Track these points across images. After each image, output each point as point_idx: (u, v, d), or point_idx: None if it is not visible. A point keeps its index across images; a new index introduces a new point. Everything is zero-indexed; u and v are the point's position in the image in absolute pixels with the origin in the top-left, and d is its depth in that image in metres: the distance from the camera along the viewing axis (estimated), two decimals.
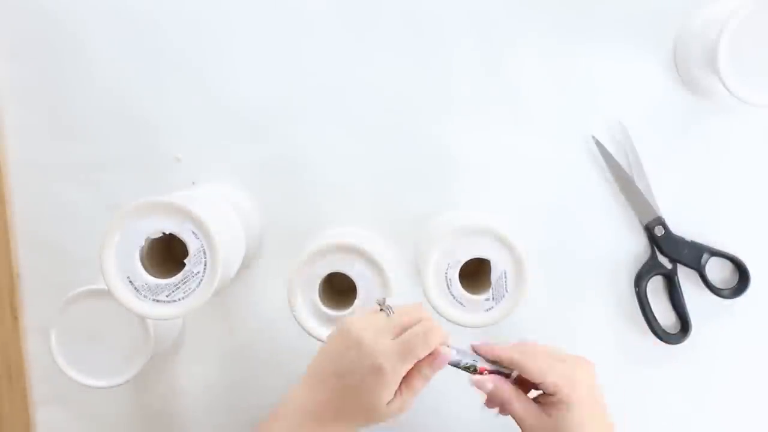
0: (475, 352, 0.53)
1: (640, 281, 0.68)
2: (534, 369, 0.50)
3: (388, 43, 0.67)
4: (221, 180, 0.69)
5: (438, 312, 0.59)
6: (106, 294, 0.59)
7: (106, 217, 0.56)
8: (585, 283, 0.69)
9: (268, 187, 0.69)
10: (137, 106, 0.69)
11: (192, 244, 0.55)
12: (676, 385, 0.70)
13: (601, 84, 0.67)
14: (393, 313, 0.51)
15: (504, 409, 0.52)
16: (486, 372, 0.52)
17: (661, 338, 0.68)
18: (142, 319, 0.62)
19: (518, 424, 0.52)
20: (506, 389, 0.51)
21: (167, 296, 0.56)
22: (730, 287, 0.68)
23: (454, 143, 0.68)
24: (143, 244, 0.56)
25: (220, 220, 0.59)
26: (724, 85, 0.58)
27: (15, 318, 0.71)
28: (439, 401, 0.71)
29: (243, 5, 0.67)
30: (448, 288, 0.59)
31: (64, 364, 0.63)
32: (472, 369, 0.52)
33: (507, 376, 0.53)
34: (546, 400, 0.51)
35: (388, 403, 0.49)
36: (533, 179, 0.68)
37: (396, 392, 0.49)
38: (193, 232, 0.55)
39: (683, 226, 0.68)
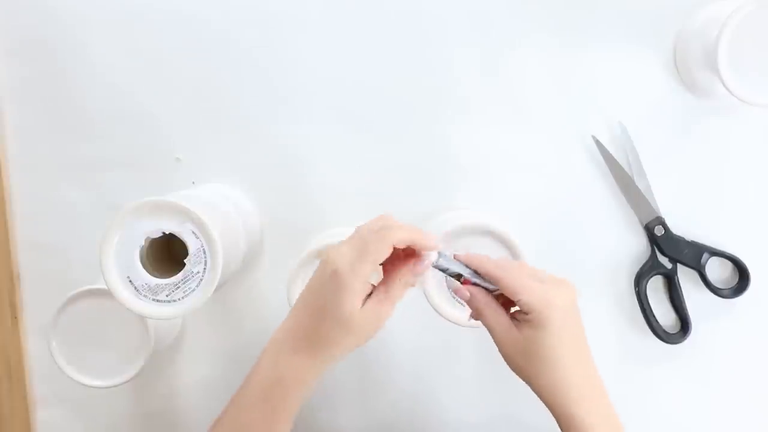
0: (458, 260, 0.51)
1: (640, 281, 0.68)
2: (510, 285, 0.48)
3: (389, 44, 0.67)
4: (221, 180, 0.69)
5: (438, 312, 0.59)
6: (106, 294, 0.59)
7: (106, 217, 0.56)
8: (585, 282, 0.69)
9: (268, 187, 0.69)
10: (137, 106, 0.69)
11: (192, 244, 0.55)
12: (676, 385, 0.70)
13: (601, 84, 0.67)
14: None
15: (474, 314, 0.51)
16: (469, 284, 0.51)
17: (661, 338, 0.68)
18: (142, 319, 0.62)
19: (490, 335, 0.51)
20: (480, 299, 0.50)
21: (167, 296, 0.56)
22: (730, 287, 0.68)
23: (454, 143, 0.68)
24: (143, 243, 0.56)
25: (220, 220, 0.59)
26: (724, 85, 0.58)
27: (15, 318, 0.71)
28: (440, 401, 0.72)
29: (243, 5, 0.67)
30: (449, 288, 0.59)
31: (64, 364, 0.63)
32: (457, 277, 0.51)
33: (491, 292, 0.51)
34: (521, 317, 0.49)
35: (361, 310, 0.47)
36: (533, 179, 0.68)
37: (369, 299, 0.48)
38: (193, 232, 0.55)
39: (683, 226, 0.68)
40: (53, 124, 0.69)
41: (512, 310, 0.51)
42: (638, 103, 0.67)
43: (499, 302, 0.50)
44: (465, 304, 0.51)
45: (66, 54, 0.68)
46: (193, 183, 0.69)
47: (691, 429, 0.71)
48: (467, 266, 0.51)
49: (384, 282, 0.49)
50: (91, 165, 0.70)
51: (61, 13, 0.67)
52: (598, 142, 0.67)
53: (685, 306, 0.68)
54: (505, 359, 0.50)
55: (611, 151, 0.67)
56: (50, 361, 0.63)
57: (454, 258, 0.51)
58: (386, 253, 0.47)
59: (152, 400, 0.73)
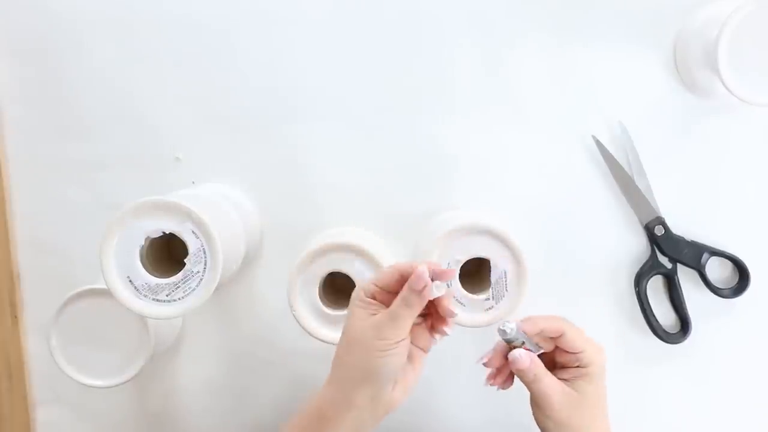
0: (521, 329, 0.53)
1: (640, 281, 0.68)
2: (576, 339, 0.53)
3: (388, 43, 0.67)
4: (221, 180, 0.69)
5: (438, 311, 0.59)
6: (106, 294, 0.59)
7: (106, 216, 0.56)
8: (585, 283, 0.69)
9: (268, 187, 0.69)
10: (137, 106, 0.69)
11: (192, 244, 0.55)
12: (676, 385, 0.70)
13: (600, 84, 0.67)
14: None
15: (530, 385, 0.53)
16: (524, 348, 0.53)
17: (661, 338, 0.68)
18: (142, 318, 0.62)
19: (540, 402, 0.53)
20: (539, 364, 0.53)
21: (167, 296, 0.56)
22: (730, 287, 0.68)
23: (454, 143, 0.68)
24: (143, 243, 0.56)
25: (220, 219, 0.59)
26: (724, 85, 0.58)
27: (15, 318, 0.71)
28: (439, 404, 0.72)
29: (243, 5, 0.67)
30: (449, 287, 0.59)
31: (64, 364, 0.63)
32: (515, 342, 0.53)
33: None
34: (570, 374, 0.53)
35: (364, 322, 0.49)
36: (533, 179, 0.68)
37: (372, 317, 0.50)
38: (193, 232, 0.55)
39: (683, 225, 0.68)
40: (53, 123, 0.69)
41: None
42: (638, 103, 0.67)
43: None
44: (517, 363, 0.52)
45: (66, 54, 0.68)
46: (193, 183, 0.69)
47: (691, 429, 0.71)
48: (528, 332, 0.53)
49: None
50: (91, 165, 0.70)
51: (61, 14, 0.68)
52: (598, 142, 0.67)
53: (685, 306, 0.68)
54: (555, 419, 0.53)
55: (611, 151, 0.67)
56: (50, 360, 0.63)
57: (518, 328, 0.52)
58: (387, 275, 0.50)
59: (152, 400, 0.73)
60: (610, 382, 0.55)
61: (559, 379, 0.53)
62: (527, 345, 0.53)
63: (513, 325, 0.52)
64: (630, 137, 0.67)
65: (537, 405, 0.54)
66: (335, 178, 0.69)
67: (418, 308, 0.49)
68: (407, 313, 0.49)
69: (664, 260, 0.68)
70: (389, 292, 0.50)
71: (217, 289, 0.56)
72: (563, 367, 0.54)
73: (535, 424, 0.55)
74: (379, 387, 0.50)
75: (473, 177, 0.68)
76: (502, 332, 0.52)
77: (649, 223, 0.67)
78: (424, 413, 0.72)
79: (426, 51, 0.67)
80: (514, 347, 0.53)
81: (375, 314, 0.50)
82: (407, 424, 0.72)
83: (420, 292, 0.48)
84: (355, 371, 0.50)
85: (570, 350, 0.53)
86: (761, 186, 0.68)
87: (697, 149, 0.67)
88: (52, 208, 0.70)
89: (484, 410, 0.72)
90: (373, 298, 0.50)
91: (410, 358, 0.51)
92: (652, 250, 0.68)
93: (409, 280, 0.48)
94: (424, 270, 0.48)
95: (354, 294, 0.52)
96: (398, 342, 0.49)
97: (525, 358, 0.52)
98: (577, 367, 0.53)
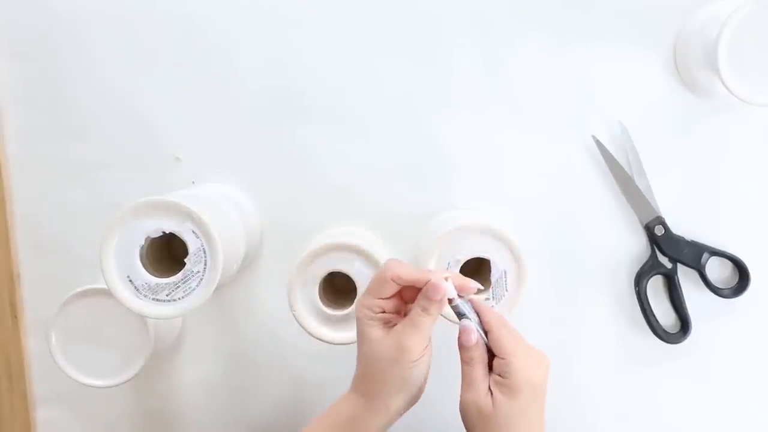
0: (473, 306, 0.51)
1: (640, 281, 0.68)
2: (507, 345, 0.49)
3: (388, 43, 0.67)
4: (221, 180, 0.69)
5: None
6: (106, 293, 0.59)
7: (106, 216, 0.56)
8: (585, 282, 0.69)
9: (268, 187, 0.69)
10: (137, 106, 0.69)
11: (192, 244, 0.55)
12: (675, 385, 0.70)
13: (601, 84, 0.67)
14: None
15: (462, 364, 0.51)
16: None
17: (661, 338, 0.68)
18: (142, 318, 0.62)
19: (463, 386, 0.51)
20: (481, 350, 0.50)
21: (167, 295, 0.56)
22: (730, 287, 0.68)
23: (455, 143, 0.68)
24: (143, 243, 0.56)
25: (220, 219, 0.59)
26: (724, 84, 0.58)
27: (15, 317, 0.71)
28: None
29: (243, 6, 0.67)
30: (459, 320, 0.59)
31: (64, 364, 0.63)
32: (461, 316, 0.51)
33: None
34: (493, 379, 0.50)
35: (385, 337, 0.49)
36: (533, 179, 0.68)
37: (394, 328, 0.50)
38: (193, 232, 0.55)
39: (683, 225, 0.68)
40: (53, 124, 0.69)
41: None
42: (638, 103, 0.67)
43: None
44: (463, 334, 0.50)
45: (66, 54, 0.68)
46: (193, 183, 0.69)
47: (691, 429, 0.71)
48: (477, 314, 0.51)
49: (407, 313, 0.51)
50: (91, 165, 0.70)
51: (61, 14, 0.68)
52: (598, 142, 0.67)
53: (685, 306, 0.68)
54: (463, 415, 0.51)
55: (611, 151, 0.67)
56: (50, 360, 0.63)
57: (470, 301, 0.51)
58: (386, 287, 0.50)
59: (152, 400, 0.73)
60: (611, 381, 0.54)
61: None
62: (477, 326, 0.50)
63: (448, 286, 0.50)
64: (630, 137, 0.67)
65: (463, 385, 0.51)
66: (335, 178, 0.69)
67: (438, 313, 0.50)
68: (428, 320, 0.49)
69: (664, 260, 0.68)
70: (391, 298, 0.51)
71: (217, 289, 0.56)
72: (492, 369, 0.50)
73: None
74: (416, 390, 0.51)
75: (473, 177, 0.68)
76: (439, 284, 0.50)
77: (649, 223, 0.67)
78: (424, 413, 0.72)
79: (426, 51, 0.67)
80: (461, 316, 0.51)
81: (390, 327, 0.50)
82: (407, 423, 0.72)
83: (440, 301, 0.49)
84: (390, 384, 0.50)
85: (495, 352, 0.50)
86: (761, 186, 0.68)
87: (697, 149, 0.67)
88: (52, 208, 0.70)
89: None
90: (379, 310, 0.50)
91: None
92: (652, 250, 0.68)
93: (426, 290, 0.49)
94: (440, 281, 0.49)
95: (359, 313, 0.50)
96: (425, 348, 0.50)
97: (472, 336, 0.50)
98: (499, 374, 0.49)
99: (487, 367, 0.50)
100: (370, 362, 0.50)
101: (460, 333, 0.50)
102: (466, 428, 0.51)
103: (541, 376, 0.49)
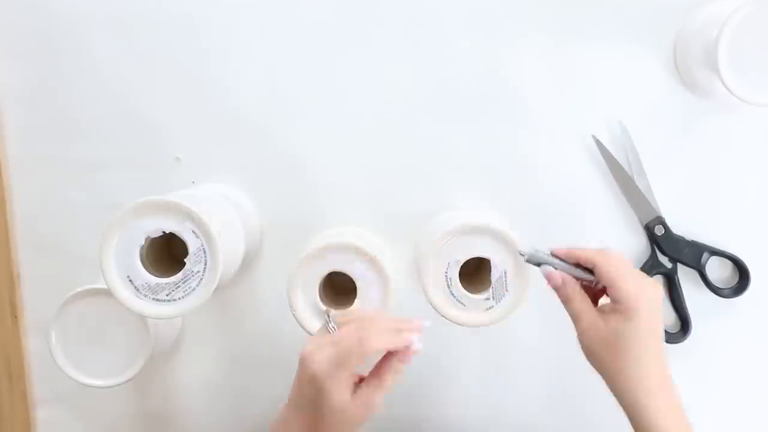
0: (555, 256, 0.54)
1: None
2: (609, 272, 0.50)
3: (388, 43, 0.67)
4: (221, 180, 0.69)
5: (438, 312, 0.59)
6: (106, 293, 0.59)
7: (106, 216, 0.56)
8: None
9: (268, 187, 0.69)
10: (137, 106, 0.69)
11: (192, 244, 0.55)
12: (676, 384, 0.70)
13: (601, 84, 0.67)
14: (333, 327, 0.51)
15: (564, 306, 0.53)
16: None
17: None
18: (142, 318, 0.62)
19: (574, 324, 0.52)
20: (571, 286, 0.52)
21: (167, 295, 0.56)
22: (730, 287, 0.68)
23: (454, 143, 0.68)
24: (143, 243, 0.56)
25: (220, 219, 0.59)
26: (724, 84, 0.58)
27: (15, 317, 0.71)
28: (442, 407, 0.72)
29: (243, 6, 0.67)
30: (449, 287, 0.59)
31: (64, 364, 0.63)
32: (539, 265, 0.54)
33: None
34: (610, 308, 0.51)
35: (353, 398, 0.49)
36: (533, 179, 0.68)
37: (361, 386, 0.50)
38: (193, 232, 0.55)
39: (683, 225, 0.68)
40: (53, 123, 0.69)
41: (600, 304, 0.53)
42: (638, 103, 0.67)
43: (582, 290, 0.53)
44: (548, 281, 0.53)
45: (66, 54, 0.68)
46: (193, 183, 0.69)
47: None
48: (563, 260, 0.53)
49: (377, 370, 0.51)
50: (91, 165, 0.70)
51: (61, 14, 0.68)
52: (598, 142, 0.67)
53: (685, 306, 0.68)
54: (586, 351, 0.52)
55: (611, 151, 0.67)
56: (50, 360, 0.63)
57: (552, 255, 0.54)
58: (364, 360, 0.49)
59: (152, 400, 0.73)
60: None
61: (600, 311, 0.51)
62: (564, 269, 0.53)
63: (528, 249, 0.54)
64: (630, 137, 0.67)
65: (574, 323, 0.53)
66: (335, 178, 0.69)
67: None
68: (397, 378, 0.50)
69: (664, 260, 0.68)
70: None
71: (217, 288, 0.56)
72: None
73: None
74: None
75: (473, 177, 0.68)
76: (521, 255, 0.55)
77: (649, 223, 0.67)
78: (424, 412, 0.72)
79: (426, 51, 0.67)
80: (539, 265, 0.54)
81: (354, 386, 0.50)
82: (407, 423, 0.72)
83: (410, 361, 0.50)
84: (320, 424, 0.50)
85: (604, 283, 0.51)
86: (761, 186, 0.68)
87: (697, 149, 0.67)
88: (52, 208, 0.70)
89: (484, 409, 0.72)
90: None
91: None
92: (652, 250, 0.68)
93: (404, 357, 0.50)
94: (410, 349, 0.50)
95: (322, 373, 0.49)
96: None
97: (555, 277, 0.53)
98: (614, 302, 0.50)
99: (588, 300, 0.52)
100: (333, 421, 0.49)
101: (546, 280, 0.53)
102: (596, 366, 0.52)
103: (654, 294, 0.50)
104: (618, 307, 0.50)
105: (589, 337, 0.51)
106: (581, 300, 0.52)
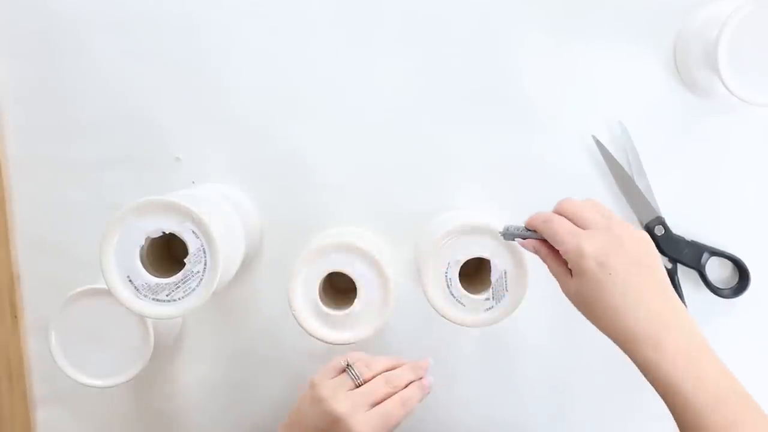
0: (527, 229, 0.55)
1: None
2: (551, 238, 0.52)
3: (388, 43, 0.67)
4: (221, 180, 0.69)
5: (438, 312, 0.59)
6: (106, 293, 0.59)
7: (107, 216, 0.56)
8: None
9: (268, 187, 0.69)
10: (137, 106, 0.69)
11: (192, 244, 0.55)
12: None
13: (601, 84, 0.67)
14: (358, 377, 0.54)
15: (542, 260, 0.54)
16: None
17: None
18: (142, 318, 0.62)
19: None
20: (542, 250, 0.54)
21: (167, 296, 0.56)
22: (730, 287, 0.68)
23: (454, 143, 0.68)
24: (143, 243, 0.56)
25: (220, 219, 0.59)
26: (724, 84, 0.58)
27: (15, 318, 0.71)
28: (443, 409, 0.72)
29: (243, 6, 0.67)
30: (448, 288, 0.59)
31: (64, 364, 0.63)
32: (514, 239, 0.57)
33: None
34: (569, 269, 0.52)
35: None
36: (533, 179, 0.68)
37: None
38: (193, 232, 0.55)
39: (683, 226, 0.68)
40: (53, 124, 0.69)
41: None
42: (638, 103, 0.67)
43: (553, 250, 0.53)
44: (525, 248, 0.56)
45: (66, 54, 0.68)
46: (193, 183, 0.69)
47: None
48: (533, 231, 0.55)
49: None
50: (91, 165, 0.70)
51: (61, 14, 0.68)
52: (598, 142, 0.67)
53: (685, 306, 0.68)
54: (571, 300, 0.53)
55: (611, 151, 0.67)
56: (50, 360, 0.63)
57: (526, 229, 0.55)
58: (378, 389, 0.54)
59: (152, 400, 0.73)
60: (611, 380, 0.54)
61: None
62: (535, 239, 0.54)
63: (497, 227, 0.57)
64: (630, 137, 0.67)
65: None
66: (335, 178, 0.69)
67: None
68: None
69: (664, 260, 0.68)
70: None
71: (217, 288, 0.56)
72: None
73: None
74: None
75: (473, 177, 0.68)
76: (500, 234, 0.57)
77: (649, 223, 0.67)
78: (424, 413, 0.72)
79: (426, 51, 0.67)
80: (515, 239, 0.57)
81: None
82: (407, 423, 0.72)
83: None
84: None
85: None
86: (761, 186, 0.68)
87: (697, 149, 0.67)
88: (52, 208, 0.70)
89: (485, 409, 0.72)
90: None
91: None
92: None
93: (422, 386, 0.55)
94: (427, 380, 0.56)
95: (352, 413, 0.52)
96: None
97: (528, 245, 0.55)
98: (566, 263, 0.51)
99: (561, 262, 0.52)
100: None
101: (522, 246, 0.56)
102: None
103: (594, 248, 0.49)
104: (570, 268, 0.51)
105: (568, 296, 0.52)
106: (552, 263, 0.53)
